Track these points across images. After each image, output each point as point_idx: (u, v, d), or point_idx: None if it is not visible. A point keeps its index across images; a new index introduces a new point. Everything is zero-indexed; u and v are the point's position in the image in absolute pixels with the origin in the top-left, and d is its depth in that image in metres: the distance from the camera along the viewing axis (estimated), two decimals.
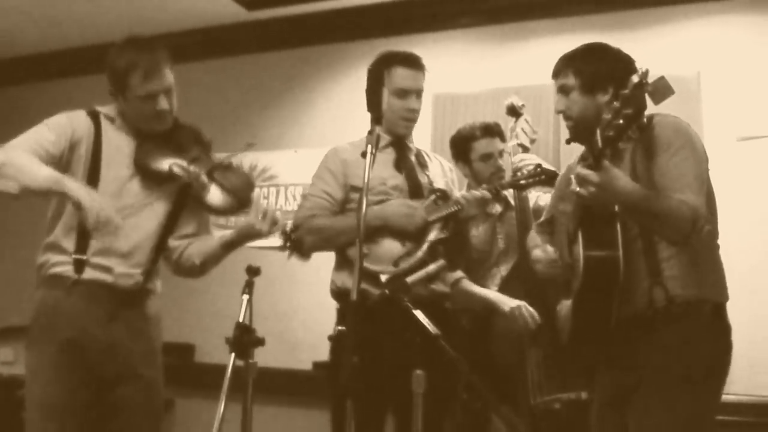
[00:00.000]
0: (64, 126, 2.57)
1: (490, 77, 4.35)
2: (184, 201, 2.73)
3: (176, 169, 2.60)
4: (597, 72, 2.38)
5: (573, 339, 2.33)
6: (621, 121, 1.96)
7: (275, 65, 4.94)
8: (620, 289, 2.17)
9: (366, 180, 2.26)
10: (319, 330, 3.22)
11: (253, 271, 2.34)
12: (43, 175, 2.37)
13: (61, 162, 2.53)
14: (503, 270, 3.44)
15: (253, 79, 5.01)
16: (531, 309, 3.18)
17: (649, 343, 2.21)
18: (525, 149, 3.47)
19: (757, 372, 3.57)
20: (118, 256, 2.58)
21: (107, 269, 2.57)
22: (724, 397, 2.29)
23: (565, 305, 2.45)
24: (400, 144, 3.13)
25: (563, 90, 2.46)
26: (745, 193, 3.80)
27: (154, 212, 2.67)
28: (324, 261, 3.22)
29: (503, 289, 3.36)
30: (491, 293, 3.33)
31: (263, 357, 2.37)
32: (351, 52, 4.75)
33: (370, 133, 2.32)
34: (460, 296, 3.37)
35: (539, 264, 2.49)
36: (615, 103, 1.98)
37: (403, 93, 3.03)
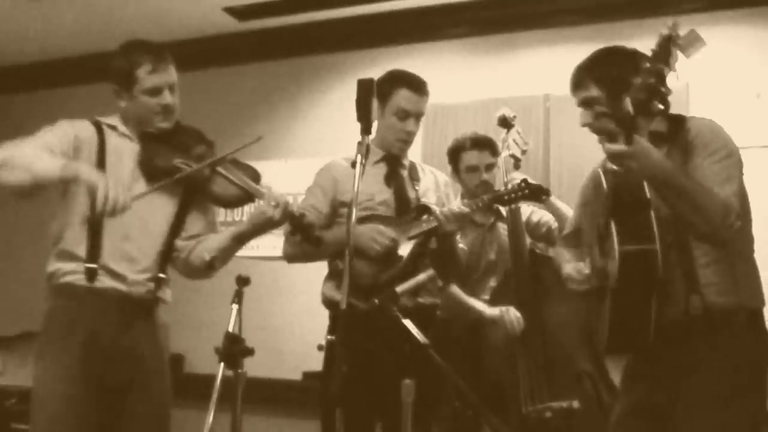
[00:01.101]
0: (66, 129, 2.59)
1: (481, 88, 4.37)
2: (191, 199, 2.72)
3: (181, 165, 2.61)
4: (619, 76, 2.23)
5: (611, 347, 2.19)
6: (652, 80, 1.89)
7: (266, 76, 4.96)
8: (660, 287, 2.09)
9: (356, 190, 2.26)
10: (308, 340, 3.22)
11: (242, 281, 2.33)
12: (54, 162, 2.38)
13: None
14: (493, 281, 3.45)
15: (244, 90, 5.02)
16: (517, 313, 3.20)
17: (686, 354, 2.14)
18: (516, 160, 3.48)
19: None
20: (128, 260, 2.58)
21: (120, 277, 2.56)
22: None
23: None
24: (392, 159, 3.14)
25: (586, 103, 2.32)
26: None
27: (162, 214, 2.67)
28: (313, 271, 3.22)
29: (494, 299, 3.37)
30: (477, 303, 3.34)
31: (253, 367, 2.36)
32: (341, 63, 4.76)
33: (360, 143, 2.32)
34: (447, 300, 3.38)
35: (572, 282, 2.38)
36: (645, 64, 1.90)
37: (404, 114, 3.06)
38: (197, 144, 2.70)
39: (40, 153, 2.42)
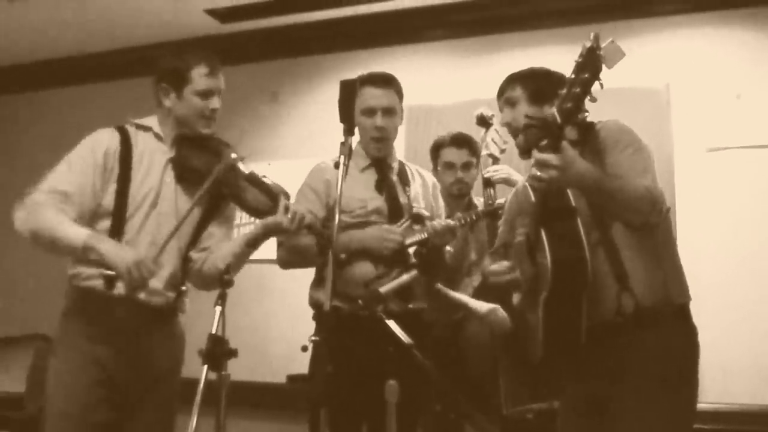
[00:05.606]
0: (85, 158, 2.58)
1: (462, 89, 4.37)
2: (218, 206, 2.73)
3: (215, 167, 2.58)
4: (544, 87, 2.35)
5: (546, 353, 2.22)
6: (578, 89, 1.95)
7: (249, 78, 4.94)
8: (589, 292, 2.15)
9: (339, 191, 2.26)
10: (293, 343, 3.18)
11: (225, 283, 2.32)
12: (76, 239, 2.43)
13: (94, 190, 2.56)
14: (475, 280, 3.46)
15: (227, 92, 4.97)
16: (503, 313, 3.21)
17: (620, 351, 2.19)
18: (495, 159, 3.50)
19: (730, 380, 3.60)
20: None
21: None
22: (698, 405, 2.27)
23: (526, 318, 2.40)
24: (381, 164, 3.13)
25: (509, 102, 2.45)
26: (715, 202, 3.85)
27: (190, 220, 2.65)
28: (298, 274, 3.21)
29: (476, 298, 3.37)
30: (466, 297, 3.35)
31: (237, 370, 2.34)
32: (324, 65, 4.76)
33: (343, 144, 2.32)
34: (434, 297, 3.39)
35: (495, 276, 2.39)
36: (570, 75, 1.97)
37: (370, 111, 3.05)
38: (228, 151, 2.68)
39: (61, 222, 2.45)
